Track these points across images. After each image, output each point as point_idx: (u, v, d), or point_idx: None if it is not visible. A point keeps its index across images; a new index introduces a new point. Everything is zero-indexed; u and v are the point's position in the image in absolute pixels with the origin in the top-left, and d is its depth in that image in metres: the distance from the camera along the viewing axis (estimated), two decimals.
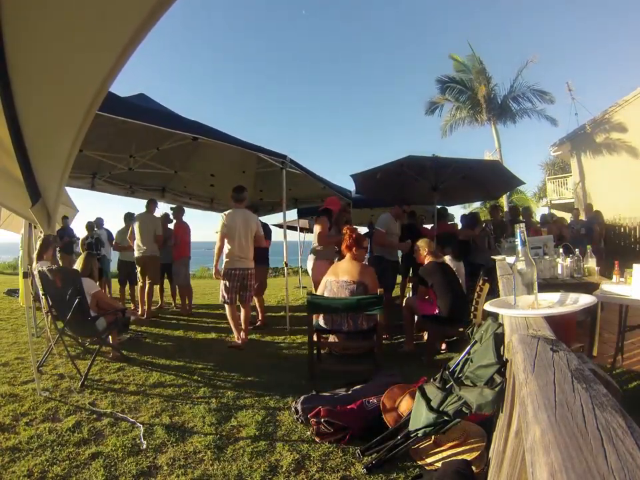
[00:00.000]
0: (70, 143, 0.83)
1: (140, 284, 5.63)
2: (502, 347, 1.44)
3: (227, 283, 4.02)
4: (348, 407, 2.33)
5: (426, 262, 3.89)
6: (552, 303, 1.22)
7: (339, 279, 3.46)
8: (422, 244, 4.05)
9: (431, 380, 1.93)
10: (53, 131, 0.83)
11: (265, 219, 10.08)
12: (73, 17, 0.54)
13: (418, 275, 3.86)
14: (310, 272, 4.61)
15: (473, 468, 1.71)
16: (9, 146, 0.82)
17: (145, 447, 2.09)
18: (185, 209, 8.94)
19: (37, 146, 0.88)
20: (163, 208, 7.92)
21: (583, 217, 7.56)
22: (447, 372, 1.80)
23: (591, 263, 3.26)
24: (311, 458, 2.00)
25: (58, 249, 6.09)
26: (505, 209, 16.96)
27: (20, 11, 0.54)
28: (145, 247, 5.46)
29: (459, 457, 1.81)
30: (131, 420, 2.39)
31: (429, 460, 1.92)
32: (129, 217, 6.22)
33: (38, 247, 3.97)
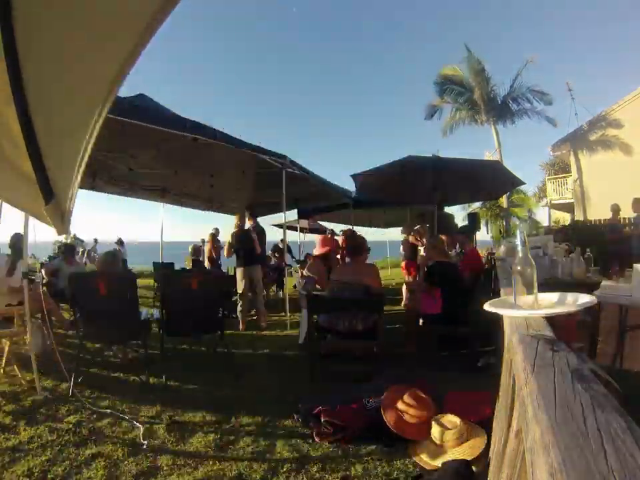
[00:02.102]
0: (83, 141, 0.82)
1: None
2: None
3: None
4: (348, 406, 2.34)
5: (434, 260, 3.90)
6: (552, 303, 1.22)
7: (340, 279, 3.46)
8: (434, 242, 4.05)
9: None
10: (65, 128, 0.83)
11: (265, 219, 10.12)
12: (85, 12, 0.54)
13: (428, 272, 3.86)
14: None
15: (473, 468, 1.71)
16: (22, 143, 0.81)
17: (145, 447, 2.10)
18: (184, 208, 8.99)
19: (50, 144, 0.87)
20: (164, 208, 7.96)
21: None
22: None
23: (580, 267, 3.20)
24: (311, 458, 2.00)
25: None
26: (505, 204, 16.96)
27: (31, 9, 0.53)
28: None
29: (459, 457, 1.81)
30: (131, 420, 2.40)
31: (429, 460, 1.92)
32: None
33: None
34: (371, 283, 3.41)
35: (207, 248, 8.70)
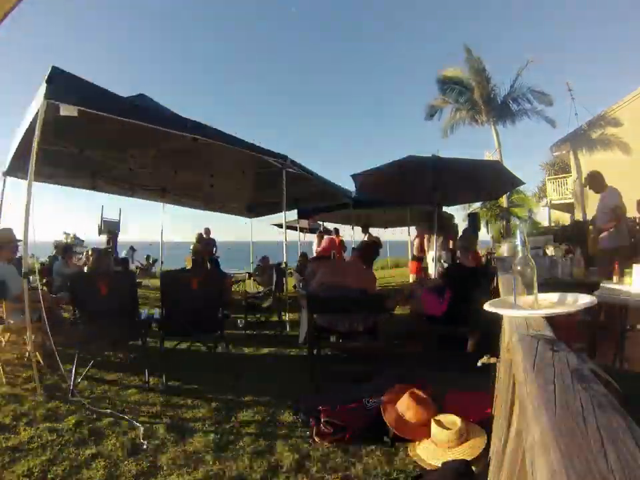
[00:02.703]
0: None
1: None
2: None
3: None
4: (348, 406, 2.34)
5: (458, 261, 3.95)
6: (552, 303, 1.22)
7: (337, 281, 3.46)
8: (466, 243, 4.11)
9: None
10: None
11: (265, 219, 10.12)
12: None
13: (445, 272, 3.91)
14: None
15: (473, 468, 1.71)
16: None
17: (145, 447, 2.10)
18: (184, 208, 8.98)
19: None
20: (164, 208, 7.96)
21: None
22: None
23: (580, 267, 3.20)
24: (311, 458, 2.00)
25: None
26: (505, 204, 16.98)
27: None
28: None
29: (459, 457, 1.81)
30: (131, 420, 2.40)
31: (429, 460, 1.92)
32: None
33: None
34: (368, 287, 3.44)
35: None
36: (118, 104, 3.36)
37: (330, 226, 10.57)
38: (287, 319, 4.89)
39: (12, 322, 3.22)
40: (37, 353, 3.24)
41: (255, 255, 9.39)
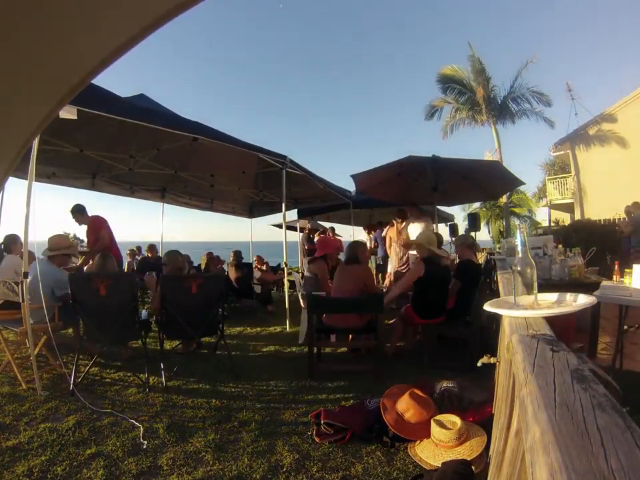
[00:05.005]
0: (24, 137, 0.71)
1: None
2: None
3: None
4: (348, 406, 2.34)
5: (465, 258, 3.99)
6: (552, 303, 1.22)
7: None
8: (466, 240, 4.16)
9: None
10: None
11: (265, 219, 10.13)
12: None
13: (458, 268, 3.95)
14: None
15: (473, 468, 1.71)
16: None
17: (145, 446, 2.10)
18: (185, 209, 8.98)
19: None
20: (164, 208, 7.96)
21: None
22: None
23: (579, 267, 3.21)
24: (311, 458, 2.00)
25: None
26: (504, 200, 16.99)
27: None
28: None
29: (459, 457, 1.81)
30: (131, 420, 2.40)
31: (428, 460, 1.92)
32: None
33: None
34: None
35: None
36: (118, 104, 3.36)
37: (337, 227, 10.58)
38: (287, 318, 4.89)
39: (32, 322, 3.16)
40: (47, 354, 3.24)
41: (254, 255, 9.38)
